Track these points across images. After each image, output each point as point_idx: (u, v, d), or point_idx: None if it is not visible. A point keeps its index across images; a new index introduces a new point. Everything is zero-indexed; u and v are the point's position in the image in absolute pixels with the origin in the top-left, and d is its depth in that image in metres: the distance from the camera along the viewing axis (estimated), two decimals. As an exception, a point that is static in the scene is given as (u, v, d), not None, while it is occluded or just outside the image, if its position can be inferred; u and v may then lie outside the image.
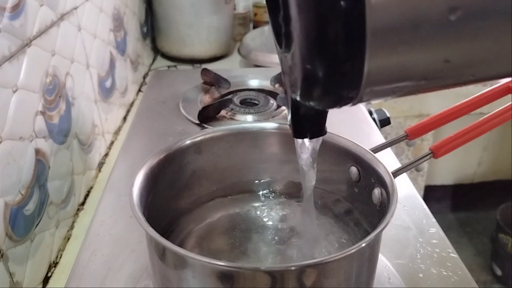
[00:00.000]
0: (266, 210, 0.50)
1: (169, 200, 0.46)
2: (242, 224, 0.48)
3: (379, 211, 0.41)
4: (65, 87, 0.65)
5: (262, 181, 0.51)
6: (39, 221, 0.56)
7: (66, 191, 0.64)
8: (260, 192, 0.51)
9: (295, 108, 0.34)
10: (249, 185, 0.51)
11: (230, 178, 0.50)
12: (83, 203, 0.71)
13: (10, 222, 0.49)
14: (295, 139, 0.38)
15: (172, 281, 0.35)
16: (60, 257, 0.61)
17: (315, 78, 0.25)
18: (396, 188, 0.37)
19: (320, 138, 0.38)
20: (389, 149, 0.54)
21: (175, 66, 1.25)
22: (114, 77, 0.89)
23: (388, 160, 0.58)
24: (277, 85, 0.83)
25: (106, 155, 0.83)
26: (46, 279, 0.57)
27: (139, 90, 1.09)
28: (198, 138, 0.47)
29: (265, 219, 0.49)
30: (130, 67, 1.03)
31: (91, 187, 0.74)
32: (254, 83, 0.85)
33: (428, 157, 0.44)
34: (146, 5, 1.22)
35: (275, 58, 1.14)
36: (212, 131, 0.48)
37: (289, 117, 0.35)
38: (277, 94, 0.79)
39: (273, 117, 0.73)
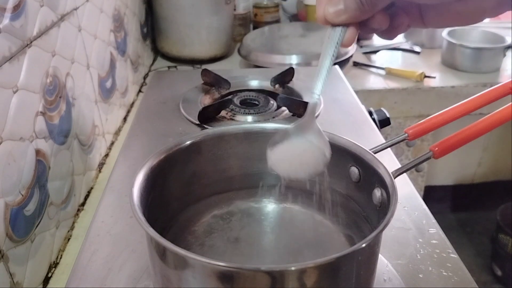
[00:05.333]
0: (266, 210, 0.50)
1: (169, 200, 0.46)
2: (242, 223, 0.48)
3: (379, 212, 0.41)
4: (66, 87, 0.65)
5: (262, 181, 0.51)
6: (40, 221, 0.56)
7: (66, 191, 0.64)
8: (260, 192, 0.51)
9: None
10: (249, 184, 0.51)
11: (230, 178, 0.51)
12: (83, 204, 0.71)
13: (11, 223, 0.50)
14: None
15: (173, 281, 0.35)
16: (61, 258, 0.61)
17: None
18: (396, 189, 0.38)
19: None
20: (389, 149, 0.54)
21: (175, 66, 1.26)
22: (114, 77, 0.89)
23: (388, 161, 0.58)
24: (277, 86, 0.83)
25: (107, 155, 0.83)
26: (46, 280, 0.57)
27: (140, 91, 1.09)
28: (198, 139, 0.47)
29: (265, 218, 0.49)
30: (131, 67, 1.03)
31: (92, 188, 0.75)
32: (254, 83, 0.85)
33: (428, 157, 0.44)
34: (146, 6, 1.22)
35: (275, 58, 1.14)
36: (212, 131, 0.48)
37: None
38: (277, 94, 0.79)
39: (274, 117, 0.73)
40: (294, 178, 0.41)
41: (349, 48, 1.19)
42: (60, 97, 0.63)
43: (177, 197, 0.47)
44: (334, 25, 0.38)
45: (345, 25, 0.38)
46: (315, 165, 0.40)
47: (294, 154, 0.41)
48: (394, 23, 0.40)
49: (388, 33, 0.41)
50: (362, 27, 0.39)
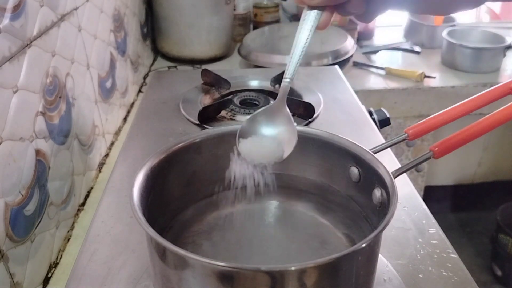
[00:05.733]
0: (265, 210, 0.50)
1: (169, 200, 0.46)
2: (242, 223, 0.48)
3: (379, 212, 0.41)
4: (66, 87, 0.65)
5: (262, 180, 0.51)
6: (39, 221, 0.56)
7: (66, 191, 0.64)
8: (260, 191, 0.51)
9: None
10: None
11: (230, 178, 0.50)
12: (83, 204, 0.71)
13: (11, 223, 0.50)
14: None
15: (173, 281, 0.35)
16: (60, 258, 0.61)
17: None
18: (396, 189, 0.38)
19: None
20: (389, 149, 0.54)
21: (175, 66, 1.25)
22: (114, 77, 0.89)
23: (388, 161, 0.58)
24: (277, 86, 0.83)
25: (107, 155, 0.83)
26: (46, 280, 0.57)
27: (140, 91, 1.09)
28: (198, 139, 0.47)
29: (265, 218, 0.49)
30: (131, 67, 1.03)
31: (91, 188, 0.75)
32: (254, 83, 0.85)
33: (428, 157, 0.44)
34: (146, 6, 1.22)
35: (275, 58, 1.14)
36: (212, 131, 0.48)
37: None
38: (277, 94, 0.79)
39: (273, 117, 0.73)
40: (261, 165, 0.42)
41: (349, 48, 1.19)
42: (60, 97, 0.63)
43: (177, 197, 0.47)
44: (310, 7, 0.38)
45: (321, 7, 0.38)
46: (280, 152, 0.41)
47: (262, 143, 0.42)
48: (371, 8, 0.39)
49: (365, 17, 0.40)
50: (339, 10, 0.39)
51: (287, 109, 0.42)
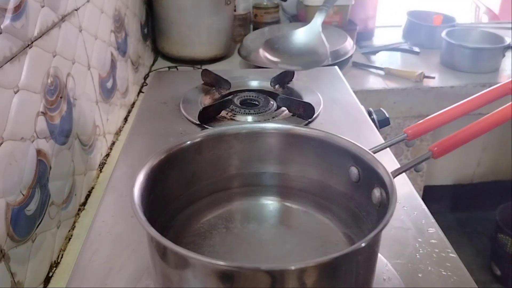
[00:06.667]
0: (265, 209, 0.50)
1: (169, 200, 0.46)
2: (242, 223, 0.48)
3: (378, 211, 0.41)
4: (66, 87, 0.66)
5: (261, 180, 0.51)
6: (41, 221, 0.56)
7: (67, 191, 0.65)
8: (260, 192, 0.51)
9: None
10: (249, 184, 0.51)
11: (230, 178, 0.51)
12: (84, 203, 0.71)
13: (12, 222, 0.50)
14: None
15: (173, 280, 0.35)
16: (61, 257, 0.61)
17: None
18: (395, 188, 0.38)
19: None
20: (388, 149, 0.55)
21: (176, 67, 1.26)
22: (115, 78, 0.89)
23: (387, 161, 0.59)
24: (277, 86, 0.83)
25: (107, 155, 0.83)
26: (47, 279, 0.57)
27: (140, 91, 1.09)
28: (199, 139, 0.47)
29: (265, 218, 0.49)
30: (131, 68, 1.03)
31: (92, 187, 0.75)
32: (254, 84, 0.85)
33: (427, 157, 0.45)
34: (146, 6, 1.22)
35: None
36: (213, 131, 0.48)
37: None
38: (277, 94, 0.80)
39: (273, 117, 0.73)
40: (288, 68, 0.43)
41: (349, 48, 1.19)
42: (61, 97, 0.63)
43: (177, 196, 0.47)
44: None
45: None
46: (311, 60, 0.42)
47: (294, 47, 0.42)
48: None
49: None
50: None
51: (320, 31, 0.43)
